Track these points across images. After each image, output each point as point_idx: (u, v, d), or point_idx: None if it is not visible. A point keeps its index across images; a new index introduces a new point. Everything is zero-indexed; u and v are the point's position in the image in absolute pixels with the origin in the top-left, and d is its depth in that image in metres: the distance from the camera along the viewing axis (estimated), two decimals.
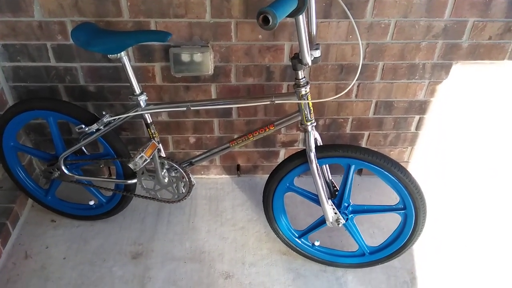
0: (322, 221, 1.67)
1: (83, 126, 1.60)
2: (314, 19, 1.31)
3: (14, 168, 1.85)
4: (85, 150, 1.81)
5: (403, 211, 1.55)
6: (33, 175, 2.06)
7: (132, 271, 1.77)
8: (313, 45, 1.31)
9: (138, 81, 1.52)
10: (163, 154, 1.72)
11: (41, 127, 1.97)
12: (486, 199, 2.15)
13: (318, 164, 1.48)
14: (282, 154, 2.17)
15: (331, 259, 1.78)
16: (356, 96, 1.91)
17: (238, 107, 1.91)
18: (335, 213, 1.59)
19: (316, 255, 1.79)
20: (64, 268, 1.78)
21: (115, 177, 1.82)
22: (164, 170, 1.71)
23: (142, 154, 1.53)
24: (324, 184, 1.56)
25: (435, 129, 2.08)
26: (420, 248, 1.86)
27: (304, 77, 1.35)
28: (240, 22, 1.65)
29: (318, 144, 1.52)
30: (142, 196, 1.81)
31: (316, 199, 1.61)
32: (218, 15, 1.62)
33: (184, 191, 1.75)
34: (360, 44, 1.22)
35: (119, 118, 1.58)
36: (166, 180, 1.72)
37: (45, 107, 1.64)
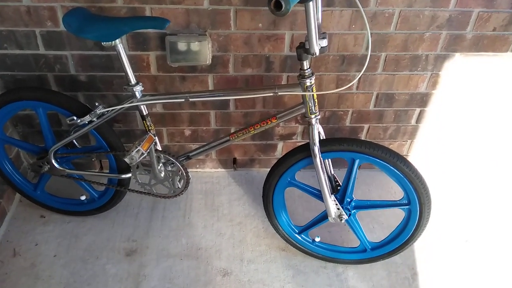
0: (323, 217, 1.63)
1: (75, 117, 1.52)
2: (320, 7, 1.25)
3: (1, 162, 1.78)
4: (76, 143, 1.73)
5: (407, 207, 1.52)
6: (21, 169, 1.98)
7: (126, 269, 1.71)
8: (320, 34, 1.25)
9: (132, 71, 1.44)
10: (159, 147, 1.66)
11: (29, 119, 1.89)
12: (487, 194, 2.14)
13: (322, 158, 1.43)
14: (280, 148, 2.11)
15: (332, 255, 1.74)
16: (357, 88, 1.87)
17: (237, 98, 1.85)
18: (338, 209, 1.55)
19: (316, 251, 1.75)
20: (55, 266, 1.71)
21: (108, 171, 1.75)
22: (160, 164, 1.64)
23: (138, 147, 1.46)
24: (327, 179, 1.51)
25: (435, 122, 2.05)
26: (421, 243, 1.83)
27: (309, 67, 1.29)
28: (239, 10, 1.58)
29: (321, 138, 1.48)
30: (136, 191, 1.74)
31: (318, 194, 1.57)
32: (216, 1, 1.55)
33: (180, 185, 1.69)
34: (369, 33, 1.17)
35: (113, 110, 1.51)
36: (162, 175, 1.66)
37: (34, 97, 1.56)
